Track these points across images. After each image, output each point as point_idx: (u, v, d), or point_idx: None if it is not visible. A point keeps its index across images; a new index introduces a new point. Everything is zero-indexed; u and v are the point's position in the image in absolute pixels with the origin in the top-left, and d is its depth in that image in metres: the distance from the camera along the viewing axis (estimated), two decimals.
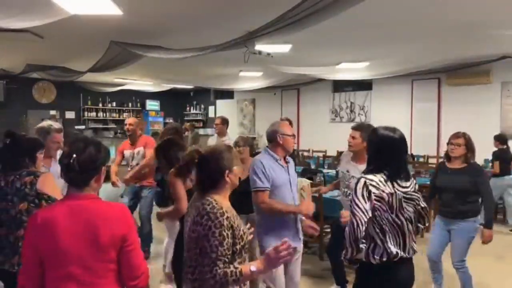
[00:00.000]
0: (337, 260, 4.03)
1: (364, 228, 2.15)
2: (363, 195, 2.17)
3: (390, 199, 2.19)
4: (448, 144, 3.67)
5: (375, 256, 2.21)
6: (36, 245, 1.65)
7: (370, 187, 2.17)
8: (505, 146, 6.50)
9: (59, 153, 3.51)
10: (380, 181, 2.20)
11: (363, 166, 3.59)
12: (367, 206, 2.16)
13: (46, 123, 3.32)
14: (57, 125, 3.34)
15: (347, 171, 3.68)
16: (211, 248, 1.83)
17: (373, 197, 2.17)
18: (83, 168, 1.70)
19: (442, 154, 8.59)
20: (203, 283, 1.89)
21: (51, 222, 1.65)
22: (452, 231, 3.67)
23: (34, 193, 2.36)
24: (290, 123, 4.98)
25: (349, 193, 3.65)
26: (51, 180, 2.48)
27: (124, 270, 1.72)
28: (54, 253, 1.64)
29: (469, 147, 3.58)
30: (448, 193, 3.63)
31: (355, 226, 2.14)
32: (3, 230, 2.38)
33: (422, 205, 2.36)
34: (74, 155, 1.70)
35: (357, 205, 2.16)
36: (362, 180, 2.20)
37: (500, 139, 6.55)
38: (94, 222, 1.66)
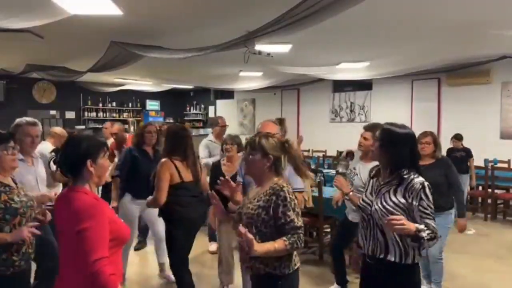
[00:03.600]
0: (340, 257, 4.03)
1: None
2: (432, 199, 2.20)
3: None
4: (417, 143, 3.79)
5: (417, 255, 2.23)
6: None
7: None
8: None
9: (41, 150, 3.55)
10: None
11: (370, 165, 3.67)
12: None
13: (21, 118, 3.32)
14: (30, 119, 3.34)
15: (354, 168, 3.76)
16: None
17: None
18: (67, 164, 1.94)
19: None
20: None
21: (55, 206, 2.05)
22: None
23: None
24: (282, 122, 5.05)
25: (352, 190, 3.66)
26: None
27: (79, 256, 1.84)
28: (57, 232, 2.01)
29: (437, 144, 3.85)
30: None
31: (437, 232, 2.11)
32: None
33: None
34: (59, 153, 1.95)
35: (433, 209, 2.17)
36: (426, 184, 2.19)
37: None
38: (68, 212, 1.87)
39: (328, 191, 4.96)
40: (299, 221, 2.12)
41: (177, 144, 3.42)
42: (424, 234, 2.04)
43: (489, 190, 6.95)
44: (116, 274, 1.84)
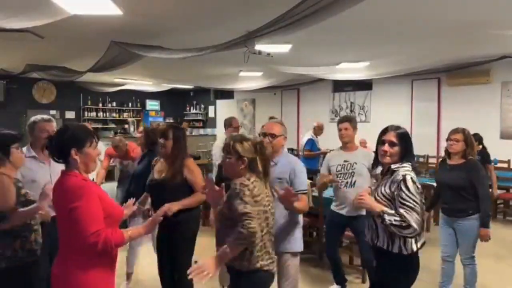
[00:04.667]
0: (336, 259, 4.04)
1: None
2: (416, 191, 2.34)
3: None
4: (447, 140, 3.68)
5: (407, 247, 2.41)
6: None
7: (417, 183, 2.37)
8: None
9: None
10: (415, 175, 2.42)
11: (356, 152, 3.79)
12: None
13: (38, 116, 3.32)
14: (46, 116, 3.34)
15: (345, 161, 3.80)
16: None
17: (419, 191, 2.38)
18: (55, 151, 2.11)
19: (442, 154, 8.64)
20: None
21: (53, 191, 2.14)
22: (456, 230, 3.66)
23: None
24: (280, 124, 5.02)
25: (355, 181, 3.72)
26: (4, 184, 2.41)
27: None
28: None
29: (468, 143, 3.58)
30: (446, 190, 3.64)
31: (419, 222, 2.30)
32: None
33: None
34: (50, 141, 2.12)
35: (415, 201, 2.31)
36: (409, 177, 2.35)
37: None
38: (60, 194, 2.06)
39: (328, 191, 4.96)
40: (245, 208, 2.18)
41: (185, 143, 3.37)
42: (386, 217, 2.31)
43: (489, 190, 6.93)
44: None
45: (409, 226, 2.27)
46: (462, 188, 3.53)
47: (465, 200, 3.53)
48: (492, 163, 7.15)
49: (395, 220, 2.29)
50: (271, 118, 5.72)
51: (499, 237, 6.05)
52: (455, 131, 3.65)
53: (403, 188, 2.33)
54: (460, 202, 3.55)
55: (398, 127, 2.54)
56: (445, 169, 3.69)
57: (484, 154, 6.15)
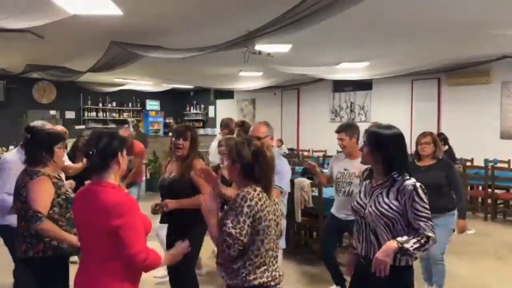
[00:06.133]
0: (332, 261, 4.05)
1: None
2: (426, 199, 2.19)
3: None
4: (417, 144, 3.86)
5: (403, 260, 2.18)
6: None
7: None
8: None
9: None
10: None
11: (358, 160, 3.73)
12: None
13: (39, 122, 3.31)
14: (49, 125, 3.34)
15: (345, 169, 3.80)
16: None
17: None
18: (99, 157, 1.99)
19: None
20: None
21: (74, 202, 2.11)
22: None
23: (24, 194, 2.41)
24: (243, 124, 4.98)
25: (352, 191, 3.70)
26: (42, 186, 2.43)
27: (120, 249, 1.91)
28: (75, 226, 2.12)
29: (436, 144, 3.82)
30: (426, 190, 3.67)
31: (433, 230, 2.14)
32: (24, 224, 2.48)
33: None
34: (92, 147, 2.01)
35: (428, 210, 2.17)
36: (418, 185, 2.18)
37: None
38: (97, 207, 1.92)
39: (328, 191, 4.96)
40: (235, 229, 1.97)
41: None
42: (407, 246, 2.08)
43: (489, 190, 6.94)
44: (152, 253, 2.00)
45: (428, 238, 2.11)
46: (442, 186, 3.71)
47: (445, 196, 3.72)
48: (492, 163, 7.18)
49: (414, 243, 2.10)
50: (241, 121, 5.50)
51: (499, 237, 6.05)
52: (424, 135, 3.84)
53: (417, 199, 2.14)
54: (441, 199, 3.69)
55: (369, 127, 2.36)
56: (419, 171, 3.74)
57: (450, 154, 6.15)
